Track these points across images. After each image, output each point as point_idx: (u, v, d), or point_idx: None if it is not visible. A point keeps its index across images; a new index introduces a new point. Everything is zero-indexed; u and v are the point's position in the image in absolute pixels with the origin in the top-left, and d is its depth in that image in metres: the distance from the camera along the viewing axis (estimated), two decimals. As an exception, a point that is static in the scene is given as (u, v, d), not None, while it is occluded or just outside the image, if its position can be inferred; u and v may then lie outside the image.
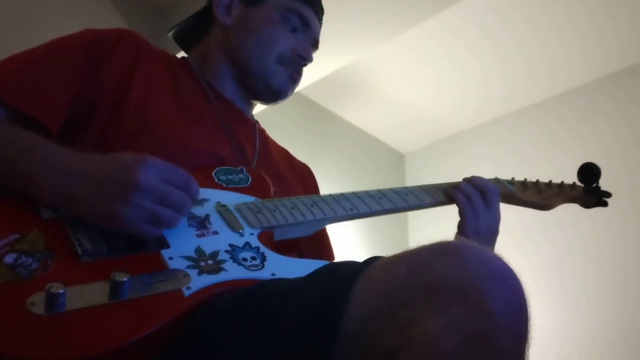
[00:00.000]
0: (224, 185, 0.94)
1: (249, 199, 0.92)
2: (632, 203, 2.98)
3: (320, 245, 1.13)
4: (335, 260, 1.02)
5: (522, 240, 3.23)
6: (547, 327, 2.95)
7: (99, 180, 0.74)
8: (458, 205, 1.11)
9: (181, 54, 1.20)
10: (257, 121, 1.21)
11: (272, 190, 0.99)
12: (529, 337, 0.55)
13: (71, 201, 0.74)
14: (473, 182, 1.13)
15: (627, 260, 2.94)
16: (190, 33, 1.20)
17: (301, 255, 1.02)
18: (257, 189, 0.96)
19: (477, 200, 1.10)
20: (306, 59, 1.13)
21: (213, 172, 0.95)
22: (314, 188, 1.23)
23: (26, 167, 0.76)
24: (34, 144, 0.78)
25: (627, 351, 2.78)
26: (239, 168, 0.98)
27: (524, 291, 0.56)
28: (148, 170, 0.73)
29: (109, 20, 2.72)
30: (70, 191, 0.74)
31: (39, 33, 2.33)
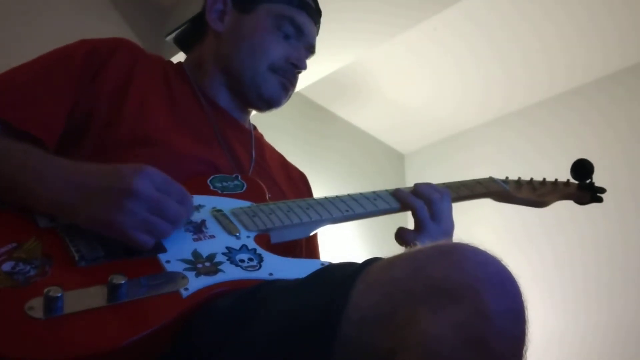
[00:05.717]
0: (220, 191, 0.94)
1: (244, 204, 0.93)
2: (633, 203, 2.98)
3: (312, 253, 1.14)
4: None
5: (522, 241, 3.24)
6: (546, 328, 2.94)
7: (95, 190, 0.74)
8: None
9: (178, 59, 1.19)
10: (254, 127, 1.20)
11: (267, 196, 0.99)
12: (527, 340, 0.55)
13: (67, 210, 0.75)
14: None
15: (628, 260, 2.93)
16: (187, 38, 1.19)
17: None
18: (252, 194, 0.96)
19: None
20: (299, 67, 1.12)
21: (208, 180, 0.95)
22: (309, 195, 1.22)
23: (22, 179, 0.77)
24: (29, 155, 0.79)
25: (627, 351, 2.78)
26: (234, 175, 0.99)
27: (522, 294, 0.56)
28: (145, 179, 0.73)
29: (109, 19, 2.71)
30: (66, 200, 0.75)
31: (39, 33, 2.35)
